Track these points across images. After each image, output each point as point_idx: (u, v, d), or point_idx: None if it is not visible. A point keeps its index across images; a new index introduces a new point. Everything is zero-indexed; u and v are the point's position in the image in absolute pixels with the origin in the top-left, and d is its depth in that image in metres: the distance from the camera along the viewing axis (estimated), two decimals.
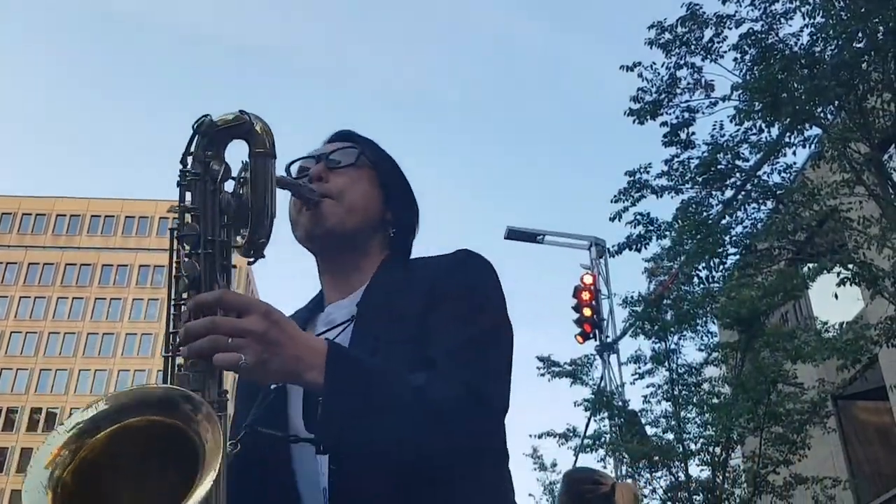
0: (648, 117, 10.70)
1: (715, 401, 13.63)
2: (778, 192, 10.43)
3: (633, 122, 10.77)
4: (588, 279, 16.30)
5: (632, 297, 14.09)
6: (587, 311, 15.78)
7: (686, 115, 10.83)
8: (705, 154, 10.82)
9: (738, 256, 11.42)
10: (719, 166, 10.77)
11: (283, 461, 1.29)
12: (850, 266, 9.42)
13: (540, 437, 15.89)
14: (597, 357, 16.13)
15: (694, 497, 13.37)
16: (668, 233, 11.38)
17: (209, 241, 1.13)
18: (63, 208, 74.75)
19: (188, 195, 1.18)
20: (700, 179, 11.00)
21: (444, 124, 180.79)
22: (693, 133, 10.97)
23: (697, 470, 13.82)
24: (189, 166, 1.17)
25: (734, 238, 11.11)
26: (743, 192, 10.97)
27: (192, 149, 1.17)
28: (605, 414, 15.11)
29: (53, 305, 69.84)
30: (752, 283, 11.65)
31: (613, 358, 16.22)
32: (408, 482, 1.18)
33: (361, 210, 1.45)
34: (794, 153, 10.50)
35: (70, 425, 0.98)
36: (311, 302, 1.54)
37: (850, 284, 9.62)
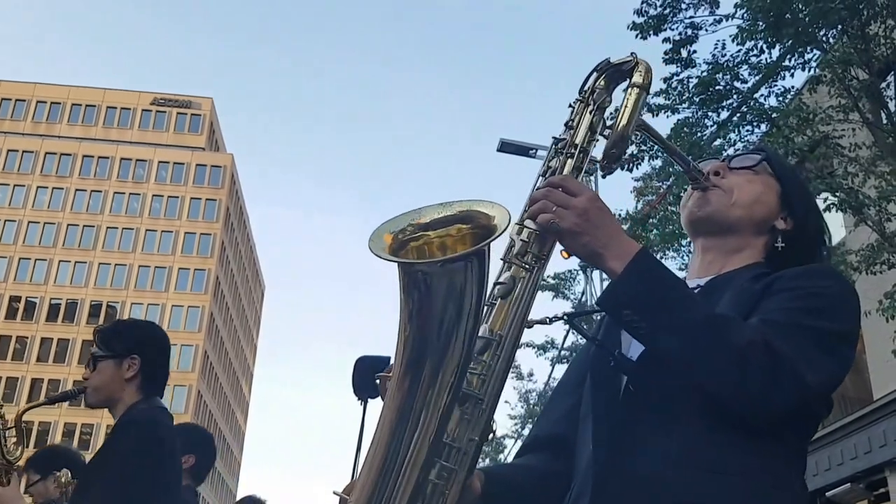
0: (651, 32, 10.59)
1: None
2: (773, 116, 10.45)
3: (636, 36, 10.65)
4: None
5: (619, 216, 14.24)
6: None
7: (689, 31, 10.73)
8: (705, 73, 10.78)
9: None
10: (717, 87, 10.76)
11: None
12: (838, 192, 9.54)
13: (519, 347, 16.28)
14: (580, 272, 16.39)
15: None
16: (660, 153, 11.42)
17: (574, 145, 1.40)
18: (43, 95, 73.07)
19: (570, 113, 1.46)
20: (697, 99, 10.99)
21: (442, 30, 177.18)
22: (695, 52, 10.92)
23: None
24: (580, 98, 1.45)
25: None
26: (738, 114, 10.99)
27: (589, 83, 1.45)
28: (585, 327, 15.42)
29: (33, 194, 69.11)
30: None
31: (596, 273, 16.50)
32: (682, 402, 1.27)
33: (747, 207, 1.51)
34: (793, 75, 10.50)
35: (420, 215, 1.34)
36: None
37: (836, 211, 9.77)
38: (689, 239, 10.60)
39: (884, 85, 10.11)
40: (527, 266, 1.31)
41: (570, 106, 1.44)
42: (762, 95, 10.87)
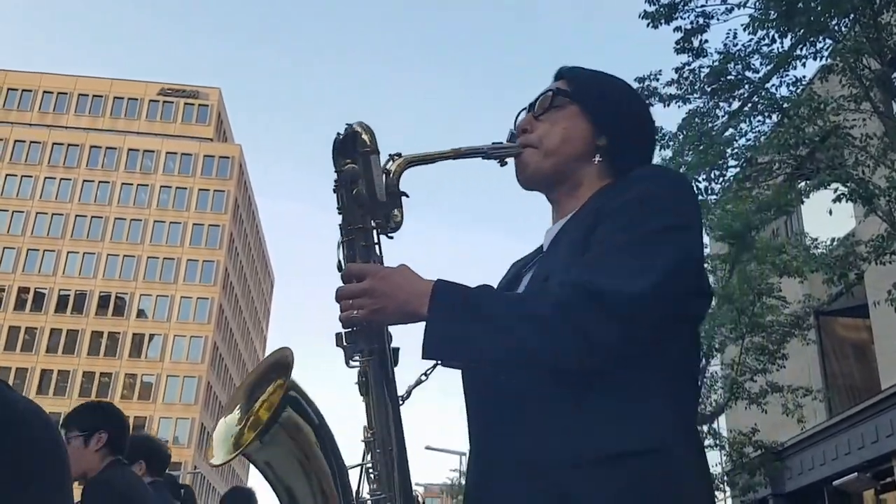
0: (663, 21, 10.56)
1: None
2: (784, 105, 10.43)
3: (647, 25, 10.63)
4: None
5: None
6: None
7: (701, 20, 10.70)
8: (716, 63, 10.77)
9: (738, 169, 11.50)
10: (729, 76, 10.74)
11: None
12: (848, 183, 9.52)
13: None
14: None
15: None
16: (671, 143, 11.43)
17: (349, 229, 1.44)
18: (50, 85, 72.85)
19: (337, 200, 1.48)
20: (709, 89, 10.99)
21: (449, 26, 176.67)
22: (706, 41, 10.90)
23: None
24: (337, 179, 1.46)
25: (736, 150, 11.16)
26: (749, 104, 10.98)
27: (335, 165, 1.45)
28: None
29: (41, 185, 69.12)
30: (748, 197, 11.79)
31: None
32: (524, 387, 1.30)
33: (559, 149, 1.49)
34: (804, 65, 10.47)
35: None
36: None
37: (846, 201, 9.76)
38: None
39: (895, 75, 10.07)
40: (370, 358, 1.37)
41: (334, 191, 1.44)
42: (773, 85, 10.85)
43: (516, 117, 1.58)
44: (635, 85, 11.30)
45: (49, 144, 70.13)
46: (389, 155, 1.44)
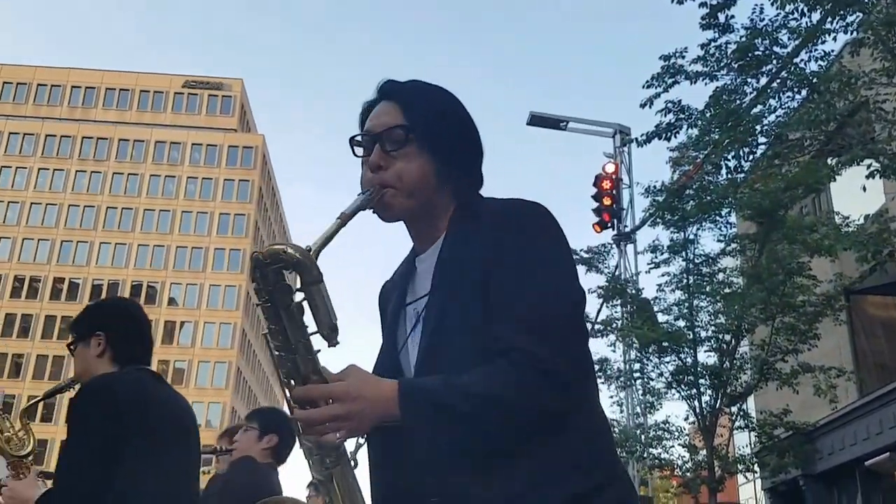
0: None
1: (727, 291, 13.85)
2: (813, 81, 10.23)
3: (672, 1, 10.46)
4: (610, 168, 16.22)
5: (654, 187, 14.10)
6: (607, 201, 15.77)
7: None
8: (743, 39, 10.57)
9: (767, 146, 11.32)
10: (756, 52, 10.53)
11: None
12: (881, 158, 9.34)
13: None
14: (613, 246, 16.27)
15: (700, 381, 13.77)
16: (698, 122, 11.25)
17: (292, 346, 1.40)
18: (78, 80, 73.98)
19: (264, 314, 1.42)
20: (736, 66, 10.78)
21: (470, 7, 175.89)
22: (732, 17, 10.67)
23: (705, 356, 14.19)
24: (258, 295, 1.41)
25: (765, 127, 10.98)
26: (778, 80, 10.77)
27: (258, 283, 1.40)
28: (618, 301, 15.40)
29: (72, 178, 70.23)
30: (778, 175, 11.61)
31: (630, 248, 16.36)
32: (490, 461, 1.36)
33: (420, 186, 1.52)
34: (834, 39, 10.22)
35: None
36: (410, 252, 1.66)
37: (879, 177, 9.58)
38: (727, 209, 10.55)
39: None
40: (336, 465, 1.45)
41: (263, 312, 1.41)
42: (802, 60, 10.60)
43: (351, 144, 1.57)
44: (660, 63, 11.18)
45: (79, 138, 71.28)
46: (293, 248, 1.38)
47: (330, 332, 1.40)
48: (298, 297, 1.40)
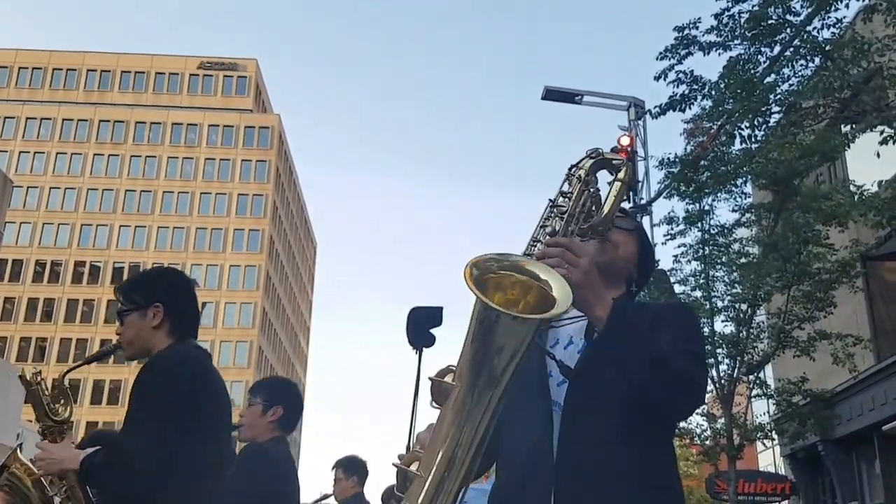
0: None
1: (743, 260, 13.92)
2: (827, 48, 10.21)
3: None
4: (625, 141, 16.19)
5: (668, 159, 14.14)
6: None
7: None
8: (756, 7, 10.55)
9: (781, 115, 11.32)
10: (769, 21, 10.51)
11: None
12: (895, 124, 9.34)
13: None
14: None
15: (717, 350, 13.88)
16: (712, 92, 11.26)
17: (570, 214, 1.78)
18: (93, 63, 74.21)
19: (566, 185, 1.83)
20: (749, 35, 10.76)
21: None
22: None
23: (722, 326, 14.29)
24: (574, 172, 1.83)
25: (778, 96, 10.98)
26: (791, 49, 10.75)
27: (581, 162, 1.83)
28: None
29: (90, 162, 70.70)
30: (792, 143, 11.61)
31: (646, 220, 16.42)
32: (626, 413, 1.71)
33: (626, 259, 2.00)
34: (847, 6, 10.18)
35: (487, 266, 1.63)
36: None
37: (893, 143, 9.58)
38: (742, 179, 10.57)
39: None
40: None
41: (567, 178, 1.81)
42: (815, 28, 10.56)
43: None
44: (674, 35, 11.17)
45: (96, 122, 71.61)
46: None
47: (599, 222, 1.79)
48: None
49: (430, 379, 1.66)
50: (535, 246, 1.75)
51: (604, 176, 1.87)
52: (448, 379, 1.61)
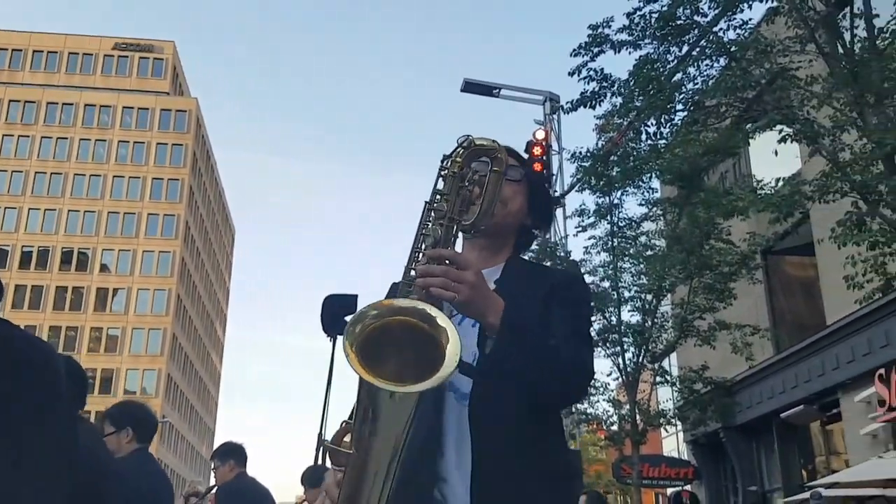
0: None
1: (650, 253, 14.36)
2: (731, 49, 10.55)
3: None
4: (540, 134, 16.45)
5: (581, 153, 14.45)
6: (538, 166, 16.00)
7: None
8: (665, 7, 10.81)
9: (686, 113, 11.66)
10: (678, 21, 10.79)
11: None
12: (794, 124, 9.71)
13: None
14: None
15: (624, 339, 14.29)
16: (622, 90, 11.51)
17: (451, 218, 1.69)
18: (3, 42, 71.24)
19: (441, 183, 1.73)
20: (659, 34, 11.03)
21: None
22: None
23: (629, 315, 14.72)
24: (447, 164, 1.72)
25: (684, 95, 11.30)
26: (697, 49, 11.07)
27: (453, 154, 1.72)
28: (548, 263, 15.82)
29: None
30: (696, 140, 11.97)
31: (559, 212, 16.74)
32: (528, 404, 1.71)
33: (515, 215, 1.96)
34: (751, 7, 10.54)
35: (364, 315, 1.53)
36: None
37: (791, 142, 9.97)
38: (649, 175, 10.86)
39: (840, 16, 10.19)
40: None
41: (440, 174, 1.72)
42: (721, 29, 10.90)
43: (474, 153, 1.84)
44: (588, 32, 11.39)
45: (5, 101, 68.94)
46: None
47: (481, 219, 1.72)
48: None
49: (326, 445, 1.65)
50: (418, 257, 1.67)
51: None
52: (347, 439, 1.59)
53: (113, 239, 66.72)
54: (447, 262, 1.60)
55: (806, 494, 10.88)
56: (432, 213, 1.70)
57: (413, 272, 1.64)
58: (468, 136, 1.73)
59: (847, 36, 9.81)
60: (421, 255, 1.67)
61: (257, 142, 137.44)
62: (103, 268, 66.16)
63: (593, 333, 14.69)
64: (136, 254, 66.71)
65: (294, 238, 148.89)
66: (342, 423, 1.66)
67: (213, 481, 5.12)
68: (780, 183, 11.26)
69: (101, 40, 72.90)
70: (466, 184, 1.70)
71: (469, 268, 1.60)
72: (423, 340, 1.49)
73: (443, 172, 1.72)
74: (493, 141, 1.75)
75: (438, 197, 1.70)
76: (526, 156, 16.02)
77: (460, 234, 1.75)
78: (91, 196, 67.66)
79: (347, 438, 1.61)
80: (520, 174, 1.97)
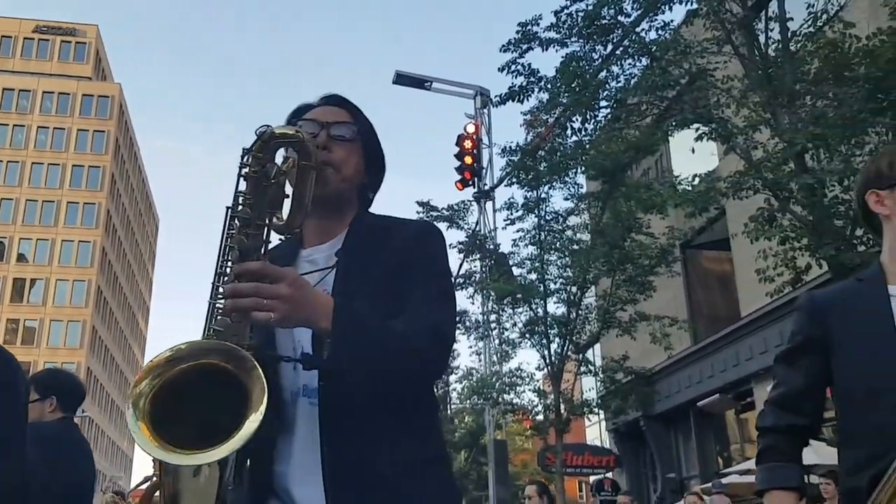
0: None
1: (575, 247, 14.74)
2: (653, 49, 10.89)
3: None
4: (471, 128, 16.69)
5: (510, 147, 14.71)
6: (468, 159, 16.26)
7: None
8: (591, 7, 11.09)
9: (609, 110, 11.99)
10: (603, 20, 11.09)
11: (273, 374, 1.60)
12: (710, 123, 10.08)
13: None
14: (474, 203, 16.89)
15: (550, 330, 14.62)
16: (549, 86, 11.78)
17: (258, 224, 1.48)
18: None
19: (243, 184, 1.50)
20: (584, 33, 11.32)
21: None
22: None
23: (555, 307, 15.07)
24: (248, 161, 1.49)
25: (608, 93, 11.62)
26: (621, 48, 11.40)
27: (253, 149, 1.49)
28: (477, 256, 16.07)
29: None
30: (619, 137, 12.32)
31: (489, 205, 16.98)
32: (382, 395, 1.55)
33: (352, 179, 1.74)
34: (671, 8, 10.91)
35: (148, 366, 1.35)
36: (287, 241, 1.80)
37: (707, 140, 10.36)
38: (574, 170, 11.12)
39: (756, 19, 10.60)
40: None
41: (240, 172, 1.49)
42: (643, 29, 11.26)
43: (294, 120, 1.76)
44: (516, 30, 11.62)
45: None
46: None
47: (294, 218, 1.53)
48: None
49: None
50: (225, 273, 1.48)
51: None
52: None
53: (31, 228, 64.40)
54: (258, 277, 1.40)
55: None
56: (236, 221, 1.48)
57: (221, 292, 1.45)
58: (267, 126, 1.50)
59: (762, 38, 10.24)
60: (228, 270, 1.47)
61: (183, 130, 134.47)
62: (20, 257, 63.84)
63: (520, 325, 14.98)
64: (55, 243, 64.51)
65: (220, 229, 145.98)
66: (145, 479, 1.55)
67: (134, 478, 4.64)
68: (697, 180, 11.67)
69: (20, 22, 70.13)
70: (272, 180, 1.49)
71: (282, 279, 1.40)
72: (228, 386, 1.32)
73: (244, 171, 1.48)
74: (297, 129, 1.55)
75: (241, 200, 1.48)
76: (457, 149, 16.49)
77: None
78: (9, 183, 65.08)
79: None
80: (352, 132, 1.75)
